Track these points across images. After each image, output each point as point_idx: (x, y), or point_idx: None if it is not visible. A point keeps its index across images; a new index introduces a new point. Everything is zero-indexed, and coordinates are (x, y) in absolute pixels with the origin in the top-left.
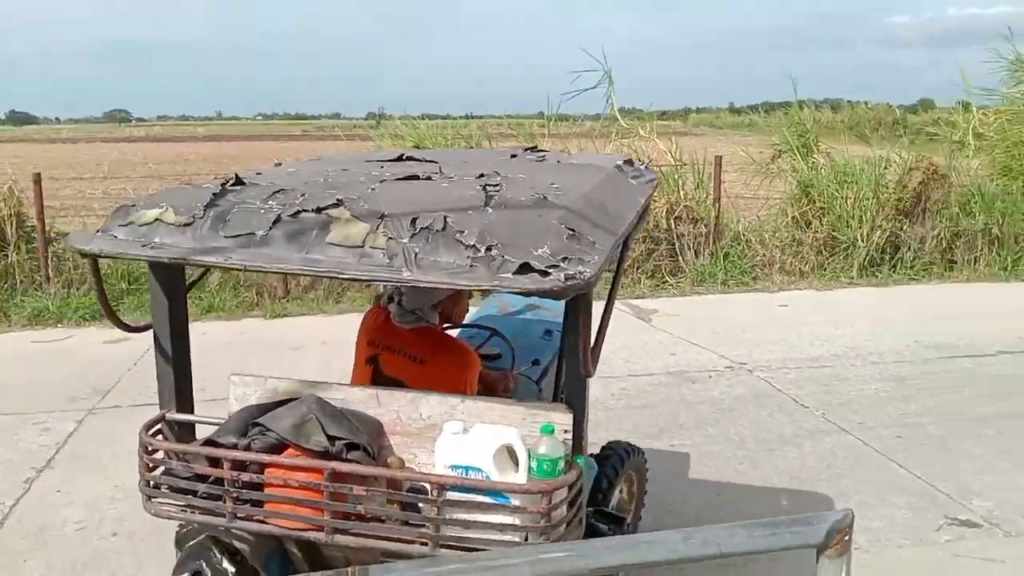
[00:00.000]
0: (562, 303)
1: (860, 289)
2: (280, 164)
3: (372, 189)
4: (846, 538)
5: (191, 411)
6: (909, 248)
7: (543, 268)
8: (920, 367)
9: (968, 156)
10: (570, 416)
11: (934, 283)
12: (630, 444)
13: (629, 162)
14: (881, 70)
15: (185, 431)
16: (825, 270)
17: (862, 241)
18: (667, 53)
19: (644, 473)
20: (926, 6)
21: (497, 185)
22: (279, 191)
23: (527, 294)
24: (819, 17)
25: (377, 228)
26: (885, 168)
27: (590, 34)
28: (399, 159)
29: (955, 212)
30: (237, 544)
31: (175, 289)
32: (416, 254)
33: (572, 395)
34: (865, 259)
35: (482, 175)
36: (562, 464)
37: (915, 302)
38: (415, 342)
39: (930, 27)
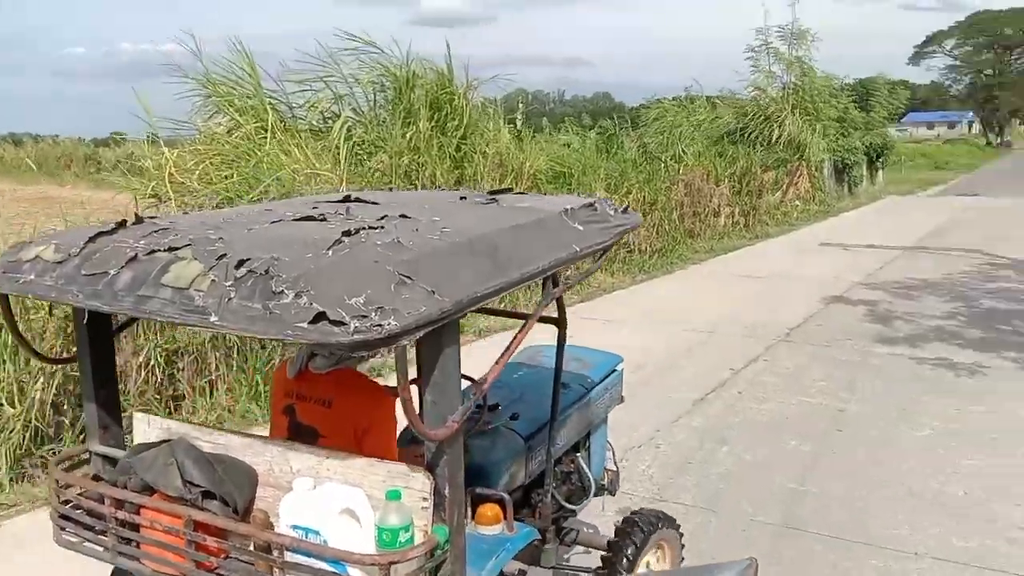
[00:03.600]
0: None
1: None
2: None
3: (249, 230)
4: None
5: (121, 446)
6: None
7: (338, 319)
8: None
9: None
10: (430, 482)
11: None
12: (660, 512)
13: (591, 206)
14: (65, 102)
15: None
16: None
17: None
18: None
19: (677, 545)
20: (100, 40)
21: (376, 228)
22: (159, 231)
23: (320, 347)
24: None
25: (209, 270)
26: None
27: None
28: (343, 200)
29: None
30: None
31: (98, 323)
32: (230, 298)
33: (435, 458)
34: None
35: (384, 216)
36: (405, 535)
37: None
38: (325, 386)
39: (107, 61)
